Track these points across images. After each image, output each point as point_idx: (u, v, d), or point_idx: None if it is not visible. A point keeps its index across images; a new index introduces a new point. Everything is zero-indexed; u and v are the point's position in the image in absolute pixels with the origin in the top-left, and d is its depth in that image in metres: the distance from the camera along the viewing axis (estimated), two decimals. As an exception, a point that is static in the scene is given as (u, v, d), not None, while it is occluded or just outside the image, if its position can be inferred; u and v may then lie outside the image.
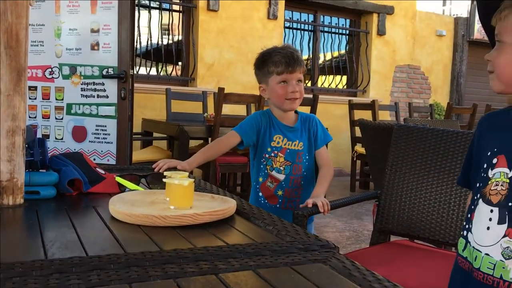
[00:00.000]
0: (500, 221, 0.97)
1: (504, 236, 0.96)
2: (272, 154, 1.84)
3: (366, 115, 5.15)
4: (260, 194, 1.86)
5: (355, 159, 5.51)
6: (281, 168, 1.84)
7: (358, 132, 4.66)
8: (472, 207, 1.05)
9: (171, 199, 1.07)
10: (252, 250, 0.81)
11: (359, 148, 5.35)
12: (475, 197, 1.05)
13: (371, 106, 5.38)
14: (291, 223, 1.02)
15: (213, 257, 0.77)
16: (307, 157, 1.87)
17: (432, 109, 6.43)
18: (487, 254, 0.99)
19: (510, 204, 0.96)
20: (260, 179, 1.86)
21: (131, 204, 1.06)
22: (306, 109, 3.65)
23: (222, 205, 1.09)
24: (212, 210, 1.03)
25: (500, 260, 0.96)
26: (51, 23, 3.18)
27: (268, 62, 1.81)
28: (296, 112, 1.91)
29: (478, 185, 1.05)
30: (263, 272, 0.73)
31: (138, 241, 0.89)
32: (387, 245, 1.90)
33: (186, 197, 1.06)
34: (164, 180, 1.12)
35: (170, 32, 5.80)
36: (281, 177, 1.84)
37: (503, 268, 0.95)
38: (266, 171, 1.85)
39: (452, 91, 7.90)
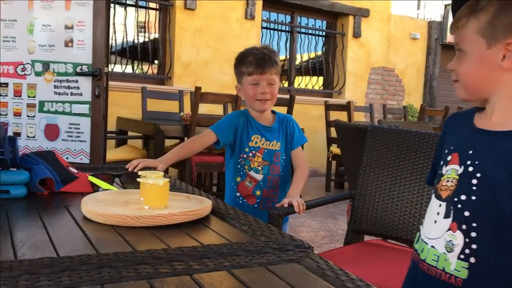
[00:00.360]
0: (446, 215, 1.01)
1: (448, 230, 1.00)
2: (250, 154, 1.84)
3: (342, 116, 5.20)
4: (238, 194, 1.86)
5: (330, 159, 5.56)
6: (259, 168, 1.84)
7: (333, 132, 4.70)
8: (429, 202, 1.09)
9: (146, 199, 1.06)
10: (227, 250, 0.81)
11: (335, 149, 5.40)
12: (431, 193, 1.09)
13: (347, 107, 5.44)
14: (266, 223, 1.02)
15: (187, 257, 0.77)
16: (284, 157, 1.87)
17: (405, 111, 6.54)
18: (432, 247, 1.03)
19: (455, 199, 1.00)
20: (238, 179, 1.85)
21: (104, 204, 1.05)
22: (282, 110, 3.67)
23: (198, 205, 1.09)
24: (187, 210, 1.02)
25: (443, 252, 1.00)
26: (23, 19, 3.11)
27: (242, 62, 1.82)
28: (273, 112, 1.92)
29: (435, 181, 1.09)
30: (237, 272, 0.73)
31: (111, 242, 0.88)
32: (361, 244, 1.93)
33: (161, 197, 1.05)
34: (138, 179, 1.10)
35: (146, 30, 5.74)
36: (259, 177, 1.84)
37: (445, 260, 0.99)
38: (244, 171, 1.84)
39: (425, 93, 8.05)
